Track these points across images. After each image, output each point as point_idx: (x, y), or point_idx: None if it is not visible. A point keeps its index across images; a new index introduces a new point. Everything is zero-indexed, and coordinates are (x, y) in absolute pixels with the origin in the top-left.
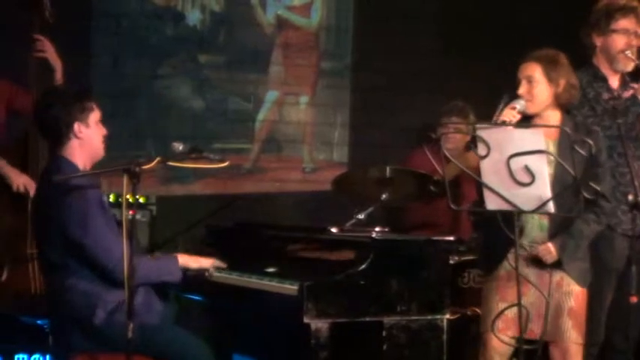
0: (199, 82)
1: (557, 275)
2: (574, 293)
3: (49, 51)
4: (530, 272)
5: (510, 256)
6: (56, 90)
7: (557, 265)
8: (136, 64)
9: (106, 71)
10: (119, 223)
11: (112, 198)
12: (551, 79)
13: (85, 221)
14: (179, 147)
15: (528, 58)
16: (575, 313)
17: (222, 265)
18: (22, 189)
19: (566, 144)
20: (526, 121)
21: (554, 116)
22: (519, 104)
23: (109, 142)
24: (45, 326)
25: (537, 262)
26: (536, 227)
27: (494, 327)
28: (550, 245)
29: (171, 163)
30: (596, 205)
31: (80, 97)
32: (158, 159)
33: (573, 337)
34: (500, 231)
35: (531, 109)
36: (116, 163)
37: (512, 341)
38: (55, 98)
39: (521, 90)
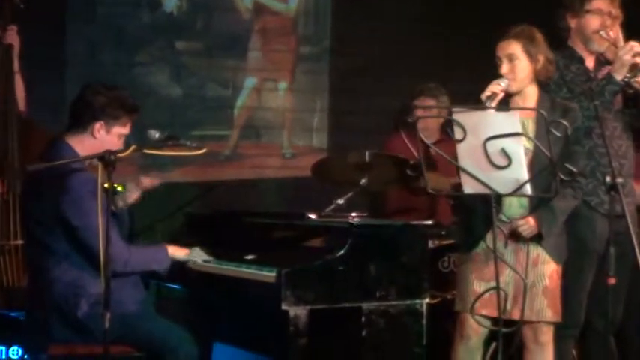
0: (177, 69)
1: (534, 252)
2: (549, 272)
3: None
4: (507, 251)
5: (488, 236)
6: (112, 86)
7: (536, 239)
8: (112, 51)
9: (83, 59)
10: (113, 214)
11: None
12: (531, 56)
13: (79, 204)
14: (155, 135)
15: (507, 37)
16: (549, 291)
17: (207, 257)
18: None
19: (543, 122)
20: (507, 99)
21: (533, 93)
22: (503, 82)
23: None
24: (21, 318)
25: (516, 237)
26: (515, 204)
27: (473, 308)
28: (530, 219)
29: (147, 151)
30: (574, 180)
31: (123, 105)
32: (133, 147)
33: (548, 316)
34: (479, 210)
35: (514, 87)
36: None
37: (488, 321)
38: (104, 90)
39: (504, 69)
